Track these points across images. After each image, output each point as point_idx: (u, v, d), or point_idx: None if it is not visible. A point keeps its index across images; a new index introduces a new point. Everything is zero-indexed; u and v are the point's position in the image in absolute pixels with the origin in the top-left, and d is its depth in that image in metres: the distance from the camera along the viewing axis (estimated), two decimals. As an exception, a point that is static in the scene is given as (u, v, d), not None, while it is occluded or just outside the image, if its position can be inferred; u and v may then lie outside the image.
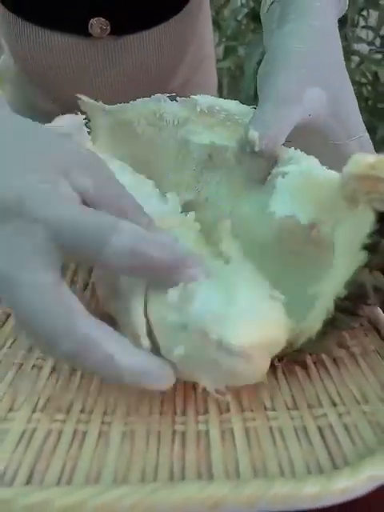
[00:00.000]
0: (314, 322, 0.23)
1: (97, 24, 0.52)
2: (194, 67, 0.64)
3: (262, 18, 0.41)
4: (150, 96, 0.34)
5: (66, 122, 0.50)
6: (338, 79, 0.31)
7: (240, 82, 2.21)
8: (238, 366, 0.21)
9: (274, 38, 0.32)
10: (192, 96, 0.31)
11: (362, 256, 0.21)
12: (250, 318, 0.21)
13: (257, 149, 0.26)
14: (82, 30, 0.52)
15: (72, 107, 0.59)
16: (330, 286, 0.22)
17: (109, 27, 0.52)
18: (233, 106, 0.30)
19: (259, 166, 0.27)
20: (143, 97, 0.35)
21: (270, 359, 0.23)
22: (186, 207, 0.30)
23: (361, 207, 0.21)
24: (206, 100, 0.31)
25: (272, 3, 0.38)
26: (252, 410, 0.24)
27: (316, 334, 0.23)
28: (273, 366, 0.27)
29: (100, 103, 0.36)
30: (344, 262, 0.22)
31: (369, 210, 0.21)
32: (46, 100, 0.61)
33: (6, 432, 0.22)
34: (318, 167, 0.25)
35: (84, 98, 0.37)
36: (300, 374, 0.26)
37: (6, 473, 0.21)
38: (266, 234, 0.26)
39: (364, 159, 0.21)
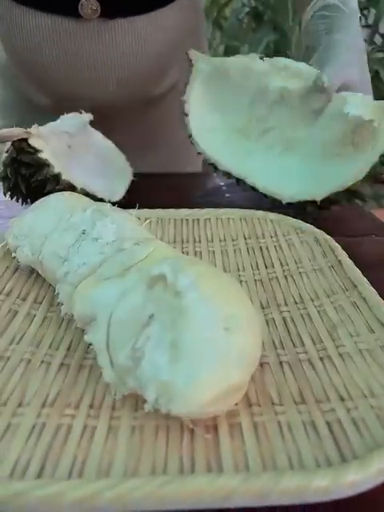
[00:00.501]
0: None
1: (87, 4, 0.52)
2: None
3: (304, 21, 0.51)
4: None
5: (70, 120, 0.50)
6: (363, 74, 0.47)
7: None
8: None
9: (324, 40, 0.46)
10: (275, 57, 0.45)
11: None
12: (198, 378, 0.20)
13: (326, 85, 0.41)
14: (72, 11, 0.52)
15: (65, 100, 0.59)
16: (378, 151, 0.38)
17: (99, 9, 0.53)
18: (301, 66, 0.44)
19: (320, 100, 0.43)
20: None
21: (232, 399, 0.22)
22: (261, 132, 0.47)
23: None
24: (284, 61, 0.45)
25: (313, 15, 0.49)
26: (260, 405, 0.24)
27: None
28: (280, 362, 0.27)
29: (205, 55, 0.48)
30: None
31: None
32: (39, 92, 0.60)
33: (16, 427, 0.23)
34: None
35: (192, 51, 0.48)
36: (306, 369, 0.26)
37: (16, 466, 0.21)
38: (314, 145, 0.43)
39: None
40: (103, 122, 0.53)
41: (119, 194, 0.51)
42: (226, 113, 0.47)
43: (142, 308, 0.24)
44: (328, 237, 0.39)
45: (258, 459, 0.21)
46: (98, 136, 0.54)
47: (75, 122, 0.50)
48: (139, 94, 0.60)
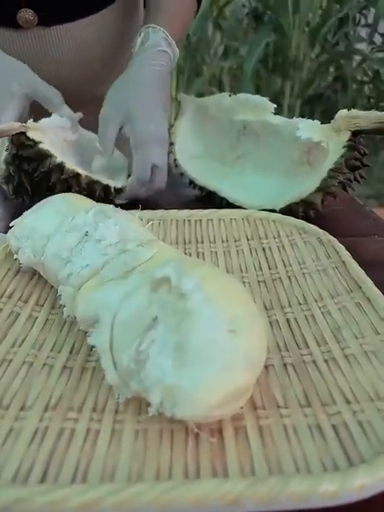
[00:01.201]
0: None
1: (24, 15, 0.55)
2: None
3: None
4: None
5: (60, 118, 0.51)
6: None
7: (241, 81, 2.21)
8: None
9: None
10: (240, 94, 0.53)
11: (343, 152, 0.44)
12: (203, 381, 0.20)
13: None
14: (10, 22, 0.55)
15: None
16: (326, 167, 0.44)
17: (36, 18, 0.56)
18: (257, 98, 0.52)
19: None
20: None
21: (237, 402, 0.22)
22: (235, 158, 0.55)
23: (342, 132, 0.44)
24: (244, 96, 0.52)
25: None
26: (265, 408, 0.24)
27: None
28: (284, 364, 0.27)
29: (190, 96, 0.57)
30: (332, 157, 0.44)
31: (346, 132, 0.44)
32: None
33: (18, 431, 0.22)
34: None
35: (181, 95, 0.57)
36: (311, 371, 0.26)
37: (19, 471, 0.20)
38: (277, 165, 0.51)
39: (346, 112, 0.45)
40: None
41: (122, 179, 0.52)
42: (206, 143, 0.56)
43: (145, 310, 0.23)
44: (331, 237, 0.38)
45: (264, 463, 0.21)
46: (88, 133, 0.55)
47: (67, 118, 0.50)
48: (84, 96, 0.62)
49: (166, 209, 0.45)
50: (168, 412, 0.20)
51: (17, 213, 0.37)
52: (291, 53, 2.22)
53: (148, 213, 0.45)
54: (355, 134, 0.44)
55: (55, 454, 0.21)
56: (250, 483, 0.19)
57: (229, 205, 0.50)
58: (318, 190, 0.44)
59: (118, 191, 0.50)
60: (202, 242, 0.41)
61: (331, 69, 2.61)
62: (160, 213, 0.45)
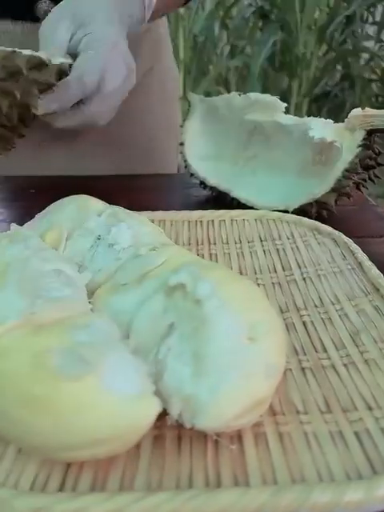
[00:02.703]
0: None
1: (42, 7, 0.52)
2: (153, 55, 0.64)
3: None
4: None
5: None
6: None
7: (247, 81, 2.20)
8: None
9: None
10: (250, 93, 0.51)
11: (357, 151, 0.43)
12: (223, 392, 0.20)
13: None
14: (29, 14, 0.52)
15: None
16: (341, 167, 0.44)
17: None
18: (267, 97, 0.51)
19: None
20: None
21: (257, 411, 0.22)
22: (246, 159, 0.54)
23: (356, 131, 0.44)
24: (253, 95, 0.51)
25: None
26: (284, 414, 0.23)
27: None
28: (302, 368, 0.26)
29: (200, 96, 0.55)
30: (346, 156, 0.44)
31: (361, 131, 0.43)
32: None
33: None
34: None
35: (190, 94, 0.56)
36: (330, 375, 0.26)
37: (36, 480, 0.20)
38: (290, 166, 0.50)
39: (359, 110, 0.44)
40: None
41: None
42: (217, 143, 0.55)
43: (161, 317, 0.23)
44: (347, 238, 0.38)
45: (286, 471, 0.20)
46: None
47: None
48: None
49: (177, 210, 0.45)
50: (187, 423, 0.20)
51: (22, 215, 0.37)
52: (298, 51, 2.21)
53: (159, 214, 0.44)
54: (370, 132, 0.44)
55: (73, 463, 0.21)
56: (273, 492, 0.18)
57: (240, 205, 0.49)
58: (333, 190, 0.43)
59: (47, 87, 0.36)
60: (215, 244, 0.41)
61: (338, 67, 2.59)
62: (171, 214, 0.44)
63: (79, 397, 0.18)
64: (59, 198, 0.37)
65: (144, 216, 0.34)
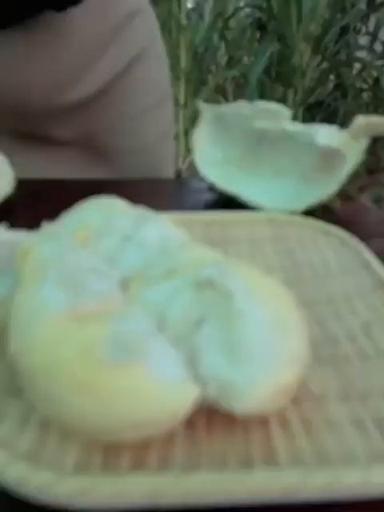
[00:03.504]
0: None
1: None
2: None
3: None
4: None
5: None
6: None
7: (245, 90, 2.24)
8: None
9: None
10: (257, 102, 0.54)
11: (361, 157, 0.46)
12: (257, 378, 0.21)
13: None
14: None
15: None
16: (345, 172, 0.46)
17: None
18: (273, 106, 0.54)
19: None
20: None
21: (286, 396, 0.23)
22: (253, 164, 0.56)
23: (361, 138, 0.46)
24: (261, 104, 0.54)
25: None
26: (305, 401, 0.25)
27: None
28: (319, 360, 0.28)
29: (208, 104, 0.58)
30: (351, 162, 0.46)
31: (365, 138, 0.46)
32: None
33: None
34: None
35: (199, 102, 0.58)
36: (345, 366, 0.27)
37: (79, 463, 0.21)
38: (297, 171, 0.52)
39: (363, 118, 0.47)
40: None
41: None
42: (225, 149, 0.58)
43: (192, 309, 0.25)
44: (354, 239, 0.40)
45: (313, 455, 0.22)
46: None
47: None
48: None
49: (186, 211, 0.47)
50: (224, 406, 0.21)
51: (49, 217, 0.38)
52: (295, 62, 2.25)
53: (173, 215, 0.46)
54: (374, 139, 0.46)
55: (112, 445, 0.22)
56: (305, 472, 0.20)
57: (249, 208, 0.51)
58: (338, 194, 0.45)
59: None
60: (228, 244, 0.42)
61: (332, 77, 2.64)
62: (185, 215, 0.46)
63: (127, 382, 0.20)
64: (70, 201, 0.39)
65: (166, 217, 0.36)
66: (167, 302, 0.26)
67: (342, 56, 2.55)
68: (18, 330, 0.25)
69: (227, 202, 0.53)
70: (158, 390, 0.20)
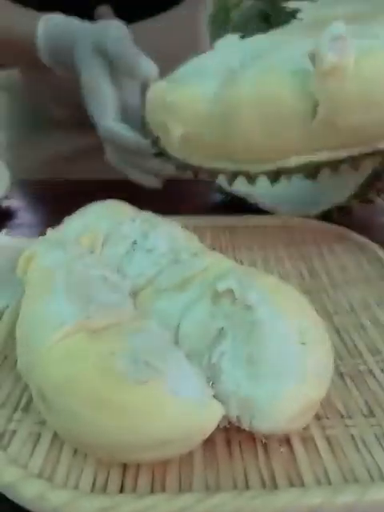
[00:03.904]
0: None
1: (102, 11, 0.54)
2: None
3: None
4: None
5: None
6: None
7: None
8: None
9: None
10: None
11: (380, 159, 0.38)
12: (280, 395, 0.21)
13: None
14: (87, 18, 0.53)
15: (81, 111, 0.59)
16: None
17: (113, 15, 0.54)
18: None
19: None
20: None
21: (310, 414, 0.22)
22: None
23: None
24: None
25: None
26: (328, 418, 0.24)
27: None
28: (340, 373, 0.27)
29: None
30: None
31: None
32: (55, 105, 0.61)
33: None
34: None
35: None
36: (368, 380, 0.26)
37: (96, 482, 0.21)
38: None
39: None
40: None
41: None
42: None
43: (209, 322, 0.24)
44: (373, 244, 0.39)
45: (338, 472, 0.21)
46: None
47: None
48: None
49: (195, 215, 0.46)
50: (245, 425, 0.21)
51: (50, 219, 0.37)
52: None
53: (182, 219, 0.45)
54: None
55: (130, 464, 0.21)
56: (331, 492, 0.19)
57: (259, 211, 0.50)
58: (355, 196, 0.44)
59: None
60: (239, 250, 0.41)
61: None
62: (194, 220, 0.45)
63: (146, 400, 0.19)
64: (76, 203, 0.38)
65: (175, 221, 0.35)
66: (182, 314, 0.25)
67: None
68: (27, 343, 0.24)
69: (237, 205, 0.52)
70: (181, 407, 0.19)
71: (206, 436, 0.20)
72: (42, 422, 0.23)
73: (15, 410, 0.25)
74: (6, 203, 0.54)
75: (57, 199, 0.59)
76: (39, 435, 0.23)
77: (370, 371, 0.27)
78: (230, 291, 0.24)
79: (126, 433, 0.19)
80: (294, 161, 0.36)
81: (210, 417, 0.19)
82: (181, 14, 0.59)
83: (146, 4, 0.56)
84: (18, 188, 0.59)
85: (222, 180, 0.53)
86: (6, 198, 0.54)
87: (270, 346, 0.21)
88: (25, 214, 0.54)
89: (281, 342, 0.21)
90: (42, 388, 0.21)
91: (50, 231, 0.34)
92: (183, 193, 0.61)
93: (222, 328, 0.23)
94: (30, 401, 0.25)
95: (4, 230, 0.48)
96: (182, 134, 0.37)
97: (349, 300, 0.34)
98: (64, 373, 0.20)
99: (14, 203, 0.55)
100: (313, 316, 0.24)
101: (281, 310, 0.23)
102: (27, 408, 0.25)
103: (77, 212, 0.38)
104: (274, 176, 0.38)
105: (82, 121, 0.61)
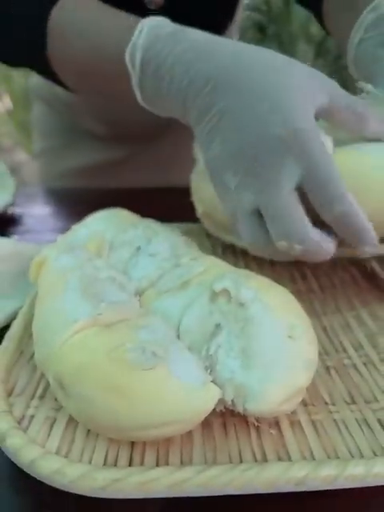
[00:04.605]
0: None
1: None
2: None
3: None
4: None
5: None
6: None
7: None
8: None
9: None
10: None
11: None
12: (271, 381, 0.23)
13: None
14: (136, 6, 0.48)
15: (118, 126, 0.60)
16: None
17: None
18: None
19: None
20: None
21: (297, 399, 0.25)
22: None
23: None
24: None
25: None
26: (314, 405, 0.27)
27: None
28: (327, 367, 0.30)
29: None
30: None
31: None
32: (94, 121, 0.63)
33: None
34: None
35: None
36: (352, 373, 0.29)
37: (107, 458, 0.23)
38: None
39: None
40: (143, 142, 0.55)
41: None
42: None
43: (208, 318, 0.27)
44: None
45: (322, 451, 0.24)
46: None
47: None
48: None
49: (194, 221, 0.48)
50: (239, 408, 0.23)
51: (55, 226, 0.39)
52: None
53: (185, 226, 0.48)
54: None
55: (137, 442, 0.24)
56: (315, 466, 0.22)
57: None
58: None
59: None
60: (236, 255, 0.44)
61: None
62: (193, 225, 0.48)
63: (152, 384, 0.22)
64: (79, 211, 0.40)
65: (174, 227, 0.38)
66: (183, 312, 0.28)
67: (345, 60, 2.57)
68: (44, 337, 0.27)
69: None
70: (183, 391, 0.22)
71: (206, 414, 0.23)
72: (57, 409, 0.26)
73: (32, 397, 0.27)
74: (11, 210, 0.57)
75: (62, 207, 0.62)
76: (55, 419, 0.26)
77: (354, 365, 0.30)
78: (226, 291, 0.27)
79: (134, 414, 0.22)
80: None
81: (208, 398, 0.22)
82: None
83: None
84: (25, 196, 0.62)
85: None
86: (12, 205, 0.57)
87: (262, 339, 0.24)
88: (31, 221, 0.57)
89: (271, 336, 0.24)
90: (60, 376, 0.24)
91: (59, 238, 0.37)
92: (181, 201, 0.64)
93: (219, 324, 0.26)
94: (45, 390, 0.28)
95: (14, 237, 0.51)
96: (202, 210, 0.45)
97: (335, 301, 0.36)
98: (79, 362, 0.23)
99: (19, 210, 0.58)
100: (300, 313, 0.27)
101: (271, 307, 0.25)
102: (43, 396, 0.27)
103: (83, 220, 0.41)
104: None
105: (117, 135, 0.65)
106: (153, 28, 0.32)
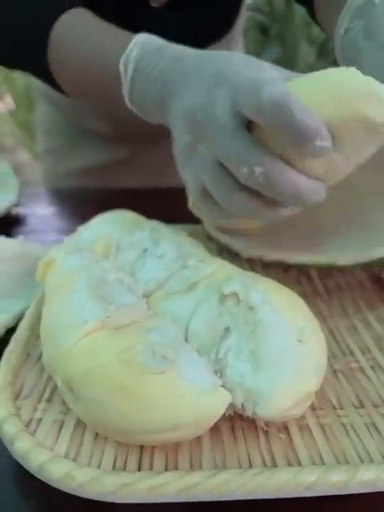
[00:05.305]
0: None
1: None
2: None
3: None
4: None
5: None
6: None
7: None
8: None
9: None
10: None
11: None
12: (280, 385, 0.23)
13: None
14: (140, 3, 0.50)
15: (125, 127, 0.60)
16: None
17: None
18: None
19: None
20: None
21: (306, 403, 0.25)
22: None
23: None
24: None
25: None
26: (322, 409, 0.27)
27: None
28: (334, 370, 0.30)
29: None
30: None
31: None
32: (99, 121, 0.63)
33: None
34: None
35: None
36: (359, 377, 0.29)
37: (116, 462, 0.23)
38: None
39: None
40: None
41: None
42: None
43: (216, 321, 0.26)
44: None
45: (331, 455, 0.24)
46: None
47: None
48: None
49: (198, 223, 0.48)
50: (249, 412, 0.23)
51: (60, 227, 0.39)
52: (298, 66, 2.27)
53: (187, 227, 0.48)
54: None
55: (146, 446, 0.24)
56: (325, 471, 0.22)
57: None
58: None
59: None
60: (241, 257, 0.44)
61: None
62: (197, 227, 0.48)
63: (162, 388, 0.22)
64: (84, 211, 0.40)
65: (181, 229, 0.38)
66: (191, 315, 0.28)
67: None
68: (52, 340, 0.27)
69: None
70: (194, 395, 0.22)
71: (217, 419, 0.23)
72: (65, 412, 0.26)
73: (39, 400, 0.27)
74: (15, 210, 0.57)
75: (66, 207, 0.62)
76: (63, 422, 0.26)
77: (361, 368, 0.30)
78: (235, 294, 0.27)
79: (144, 417, 0.22)
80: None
81: (219, 402, 0.22)
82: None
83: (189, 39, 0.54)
84: (29, 196, 0.61)
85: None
86: (16, 205, 0.57)
87: (271, 342, 0.24)
88: (36, 221, 0.57)
89: (280, 340, 0.24)
90: (69, 379, 0.24)
91: (66, 239, 0.36)
92: (185, 202, 0.64)
93: (228, 327, 0.26)
94: (52, 392, 0.28)
95: (20, 237, 0.51)
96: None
97: (342, 304, 0.36)
98: (89, 365, 0.23)
99: (23, 210, 0.58)
100: (309, 316, 0.27)
101: (280, 310, 0.25)
102: (51, 399, 0.27)
103: (88, 221, 0.41)
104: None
105: (121, 135, 0.64)
106: (143, 44, 0.36)
